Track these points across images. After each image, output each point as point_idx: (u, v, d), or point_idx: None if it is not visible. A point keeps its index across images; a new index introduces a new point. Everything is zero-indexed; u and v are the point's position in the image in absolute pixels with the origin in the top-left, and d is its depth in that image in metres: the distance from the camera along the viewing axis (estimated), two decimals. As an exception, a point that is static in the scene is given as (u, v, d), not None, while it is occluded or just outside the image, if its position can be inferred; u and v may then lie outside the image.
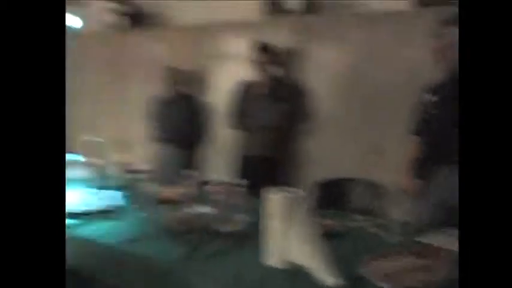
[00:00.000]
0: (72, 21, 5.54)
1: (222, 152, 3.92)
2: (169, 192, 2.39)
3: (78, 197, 2.33)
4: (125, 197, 2.39)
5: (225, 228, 1.80)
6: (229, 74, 4.03)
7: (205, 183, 2.55)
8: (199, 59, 4.33)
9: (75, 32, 5.62)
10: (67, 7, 4.78)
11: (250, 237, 1.71)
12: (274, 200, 1.47)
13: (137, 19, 4.96)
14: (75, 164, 2.98)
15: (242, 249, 1.66)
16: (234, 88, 3.65)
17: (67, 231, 1.91)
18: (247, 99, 3.54)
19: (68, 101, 4.82)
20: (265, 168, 3.38)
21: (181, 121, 4.12)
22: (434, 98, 2.34)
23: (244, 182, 2.08)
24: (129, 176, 2.73)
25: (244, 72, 3.66)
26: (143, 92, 4.53)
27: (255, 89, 3.52)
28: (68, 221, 2.02)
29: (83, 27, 5.61)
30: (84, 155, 2.70)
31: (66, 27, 4.56)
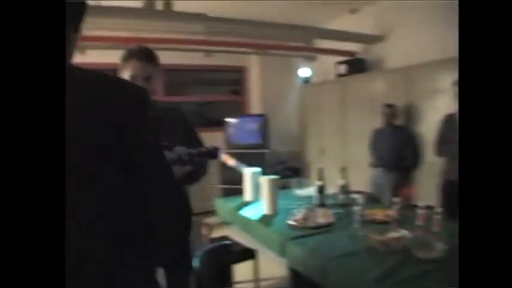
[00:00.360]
0: (305, 72, 5.86)
1: (429, 178, 3.59)
2: (378, 213, 2.27)
3: (305, 213, 2.37)
4: (340, 215, 2.35)
5: (423, 254, 1.61)
6: (437, 107, 3.69)
7: (413, 207, 2.35)
8: (411, 95, 4.07)
9: (307, 80, 5.92)
10: (302, 62, 5.03)
11: (444, 265, 1.49)
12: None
13: (357, 65, 4.94)
14: (306, 185, 3.09)
15: (436, 277, 1.44)
16: (439, 119, 3.35)
17: (293, 241, 1.98)
18: (450, 128, 3.23)
19: (306, 136, 5.04)
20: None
21: (395, 149, 3.93)
22: None
23: (442, 209, 1.84)
24: (346, 196, 2.69)
25: (449, 105, 3.32)
26: (364, 125, 4.48)
27: (457, 120, 3.19)
28: (294, 232, 2.08)
29: (313, 76, 5.88)
30: (317, 179, 2.76)
31: (300, 78, 4.78)
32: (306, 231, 2.08)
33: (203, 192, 5.57)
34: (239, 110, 6.33)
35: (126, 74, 1.72)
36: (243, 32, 4.21)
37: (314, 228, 2.12)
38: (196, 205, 4.80)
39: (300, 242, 1.95)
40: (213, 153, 1.62)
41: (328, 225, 2.16)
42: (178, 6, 3.34)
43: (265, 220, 2.40)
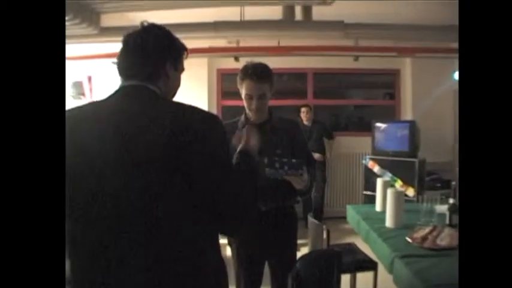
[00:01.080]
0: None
1: None
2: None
3: (426, 232, 2.14)
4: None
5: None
6: None
7: None
8: None
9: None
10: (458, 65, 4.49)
11: None
12: None
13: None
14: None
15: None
16: None
17: (402, 260, 1.82)
18: None
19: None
20: None
21: None
22: None
23: None
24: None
25: None
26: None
27: None
28: (406, 250, 1.92)
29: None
30: (452, 196, 2.47)
31: (455, 81, 4.24)
32: (420, 251, 1.92)
33: (344, 196, 5.50)
34: (394, 114, 5.99)
35: (242, 92, 1.84)
36: (387, 36, 3.98)
37: (430, 249, 1.93)
38: (334, 210, 4.78)
39: (409, 261, 1.80)
40: (296, 165, 1.63)
41: (449, 249, 1.92)
42: (316, 13, 3.36)
43: (383, 232, 2.27)
